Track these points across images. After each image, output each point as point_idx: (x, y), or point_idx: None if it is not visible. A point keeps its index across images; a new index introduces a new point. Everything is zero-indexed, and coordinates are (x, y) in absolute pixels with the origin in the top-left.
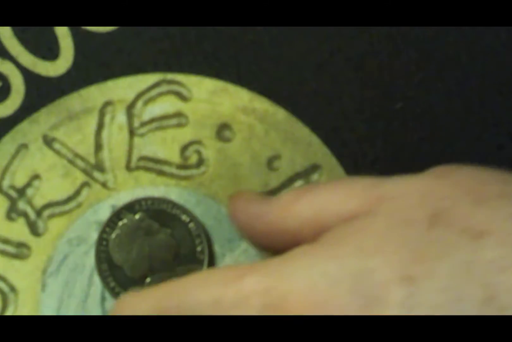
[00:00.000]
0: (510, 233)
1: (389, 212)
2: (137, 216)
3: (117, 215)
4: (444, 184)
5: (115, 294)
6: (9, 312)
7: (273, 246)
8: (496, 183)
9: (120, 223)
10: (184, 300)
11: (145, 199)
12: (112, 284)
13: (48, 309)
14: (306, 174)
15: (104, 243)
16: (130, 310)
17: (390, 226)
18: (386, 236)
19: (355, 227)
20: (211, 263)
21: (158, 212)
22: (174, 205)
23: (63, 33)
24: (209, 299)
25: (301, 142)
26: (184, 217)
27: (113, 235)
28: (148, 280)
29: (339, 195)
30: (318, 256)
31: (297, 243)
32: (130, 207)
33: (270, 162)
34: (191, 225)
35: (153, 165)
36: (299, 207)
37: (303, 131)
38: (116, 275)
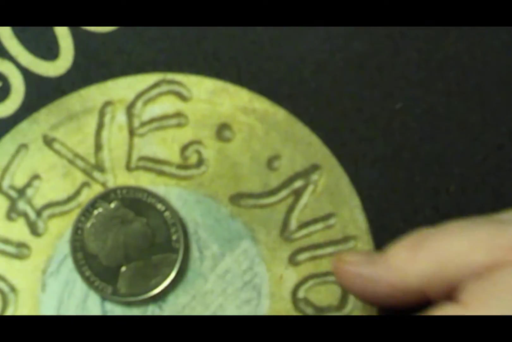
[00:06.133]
0: None
1: None
2: (112, 205)
3: (92, 204)
4: None
5: (90, 283)
6: (9, 312)
7: (393, 305)
8: None
9: (95, 212)
10: None
11: (120, 188)
12: (87, 273)
13: (48, 309)
14: (306, 173)
15: (79, 232)
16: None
17: None
18: None
19: (498, 281)
20: (187, 251)
21: (133, 201)
22: (150, 193)
23: (63, 33)
24: None
25: (301, 142)
26: (159, 206)
27: (88, 224)
28: (123, 269)
29: (462, 244)
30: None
31: (422, 300)
32: (105, 196)
33: (270, 163)
34: (167, 213)
35: (153, 165)
36: (419, 265)
37: (303, 131)
38: (91, 264)
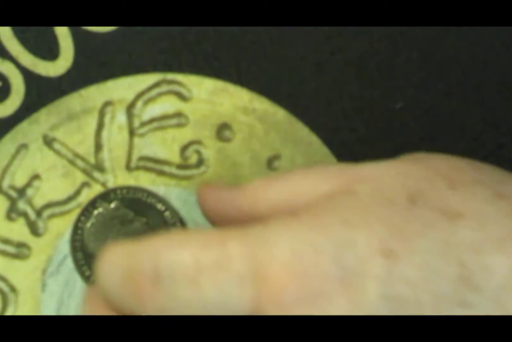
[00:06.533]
0: (484, 216)
1: (369, 192)
2: (112, 205)
3: (92, 204)
4: (420, 168)
5: (90, 283)
6: (9, 312)
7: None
8: (469, 170)
9: (95, 212)
10: (161, 260)
11: (120, 188)
12: (87, 273)
13: (48, 309)
14: None
15: (79, 231)
16: (107, 266)
17: (371, 203)
18: (368, 212)
19: (336, 202)
20: None
21: (133, 201)
22: (150, 193)
23: (63, 33)
24: (190, 259)
25: (301, 142)
26: (159, 206)
27: (88, 224)
28: None
29: (313, 178)
30: (301, 225)
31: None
32: (105, 196)
33: (270, 162)
34: (167, 213)
35: (153, 165)
36: (271, 192)
37: (303, 131)
38: (91, 264)
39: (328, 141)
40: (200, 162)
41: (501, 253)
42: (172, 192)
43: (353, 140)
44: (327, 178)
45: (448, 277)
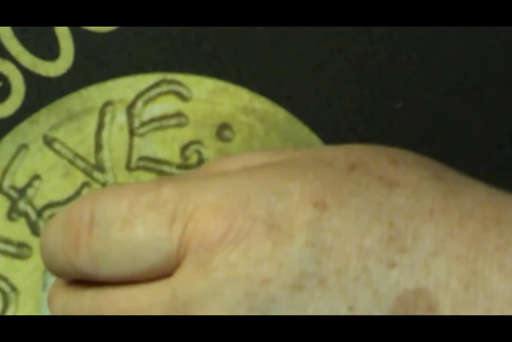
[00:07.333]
0: (420, 189)
1: (311, 158)
2: None
3: None
4: (365, 147)
5: None
6: (10, 312)
7: None
8: (414, 156)
9: None
10: (97, 207)
11: None
12: None
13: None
14: None
15: None
16: (49, 227)
17: (311, 164)
18: (307, 168)
19: (279, 164)
20: None
21: None
22: None
23: (63, 33)
24: (124, 203)
25: (301, 142)
26: None
27: None
28: None
29: (262, 153)
30: (239, 175)
31: None
32: None
33: None
34: None
35: (153, 165)
36: (223, 164)
37: (303, 131)
38: None
39: (328, 141)
40: (200, 162)
41: (431, 222)
42: None
43: (353, 140)
44: (273, 152)
45: (377, 235)
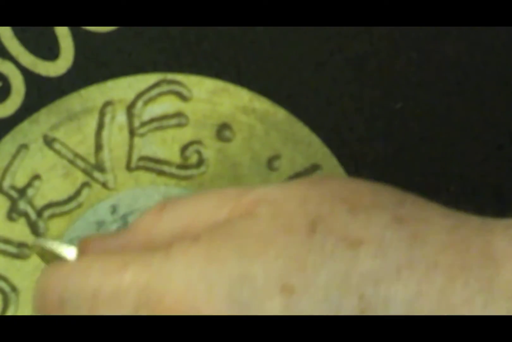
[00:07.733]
0: (384, 242)
1: (269, 216)
2: None
3: None
4: (320, 191)
5: None
6: (10, 312)
7: None
8: (368, 193)
9: None
10: (66, 287)
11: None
12: None
13: None
14: (306, 174)
15: None
16: (36, 289)
17: (271, 230)
18: (267, 240)
19: (236, 227)
20: None
21: None
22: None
23: (63, 33)
24: (90, 288)
25: (301, 142)
26: None
27: None
28: None
29: (210, 203)
30: (199, 255)
31: None
32: None
33: (270, 162)
34: None
35: (153, 165)
36: (165, 224)
37: (303, 131)
38: None
39: (328, 141)
40: (200, 162)
41: (399, 283)
42: (172, 192)
43: (353, 140)
44: (226, 200)
45: (347, 311)
